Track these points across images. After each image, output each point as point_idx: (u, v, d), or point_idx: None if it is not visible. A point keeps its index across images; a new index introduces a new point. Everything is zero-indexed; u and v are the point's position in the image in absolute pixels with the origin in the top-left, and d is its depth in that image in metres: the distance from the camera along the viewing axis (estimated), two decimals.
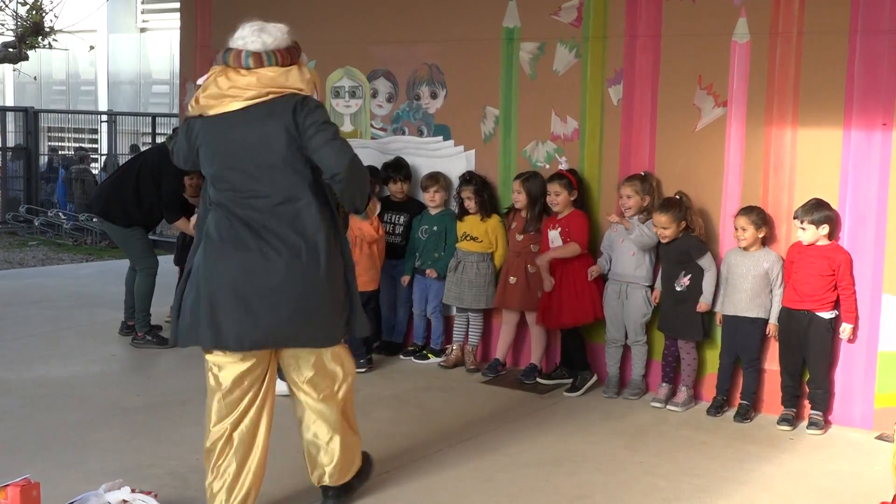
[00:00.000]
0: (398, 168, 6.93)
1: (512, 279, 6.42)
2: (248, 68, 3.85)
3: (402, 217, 6.94)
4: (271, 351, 4.03)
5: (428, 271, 6.78)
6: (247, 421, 3.99)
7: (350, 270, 4.08)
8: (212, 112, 3.90)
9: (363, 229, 6.43)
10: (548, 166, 6.45)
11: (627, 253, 6.01)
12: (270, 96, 3.86)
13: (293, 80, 3.90)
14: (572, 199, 6.18)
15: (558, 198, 6.16)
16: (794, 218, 5.51)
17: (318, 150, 3.84)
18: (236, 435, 3.99)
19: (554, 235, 6.21)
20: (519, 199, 6.37)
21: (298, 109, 3.85)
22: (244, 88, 3.84)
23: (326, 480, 4.19)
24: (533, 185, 6.34)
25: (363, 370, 6.31)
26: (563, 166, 6.33)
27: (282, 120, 3.84)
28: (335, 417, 4.12)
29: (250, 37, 3.89)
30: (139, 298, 7.08)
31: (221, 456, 3.99)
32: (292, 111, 3.85)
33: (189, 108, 4.02)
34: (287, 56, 3.91)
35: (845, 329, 5.51)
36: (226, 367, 3.95)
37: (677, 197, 5.83)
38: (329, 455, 4.14)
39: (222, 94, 3.87)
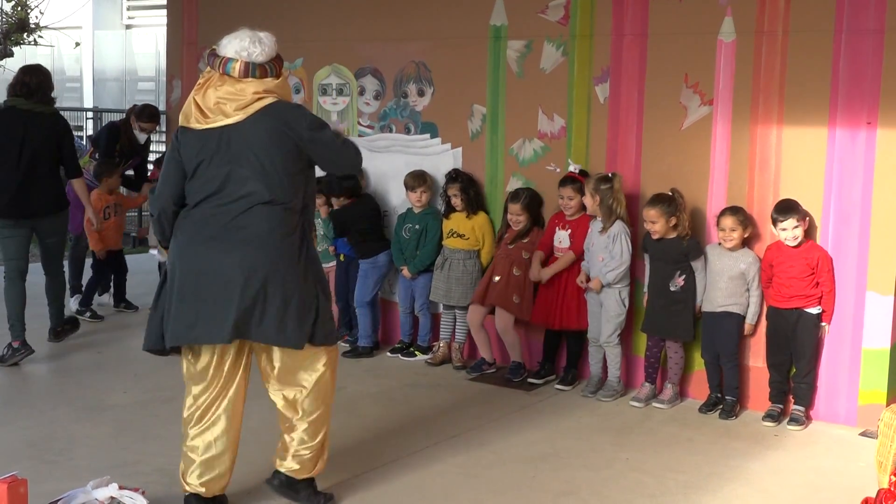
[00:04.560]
0: None
1: (496, 278, 6.38)
2: (255, 77, 3.96)
3: None
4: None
5: (403, 271, 6.81)
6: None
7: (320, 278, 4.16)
8: (208, 126, 3.95)
9: None
10: (551, 166, 6.47)
11: (597, 256, 6.01)
12: (263, 103, 3.95)
13: (287, 89, 4.17)
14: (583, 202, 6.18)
15: (572, 202, 6.15)
16: (773, 221, 5.53)
17: (325, 157, 4.08)
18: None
19: (563, 236, 6.20)
20: (521, 220, 6.32)
21: (291, 116, 3.99)
22: (246, 99, 3.94)
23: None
24: (532, 205, 6.36)
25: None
26: (573, 168, 6.24)
27: (274, 125, 3.94)
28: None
29: (251, 47, 3.97)
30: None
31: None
32: (285, 116, 3.97)
33: (181, 119, 4.04)
34: (279, 65, 4.07)
35: (823, 328, 5.55)
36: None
37: (670, 193, 5.83)
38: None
39: (223, 110, 3.93)
